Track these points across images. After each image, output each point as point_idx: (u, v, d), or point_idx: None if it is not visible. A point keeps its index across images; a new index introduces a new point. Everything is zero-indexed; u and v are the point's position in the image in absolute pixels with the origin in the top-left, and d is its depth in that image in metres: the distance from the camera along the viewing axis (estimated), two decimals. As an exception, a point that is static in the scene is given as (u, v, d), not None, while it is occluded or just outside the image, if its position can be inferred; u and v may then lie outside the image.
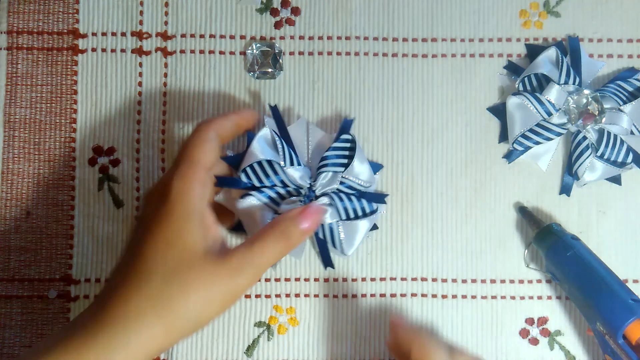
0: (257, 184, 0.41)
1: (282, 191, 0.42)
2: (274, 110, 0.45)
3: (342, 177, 0.42)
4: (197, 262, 0.33)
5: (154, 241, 0.34)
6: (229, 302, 0.34)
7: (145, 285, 0.33)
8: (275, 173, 0.41)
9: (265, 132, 0.43)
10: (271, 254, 0.35)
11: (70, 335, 0.33)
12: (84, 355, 0.32)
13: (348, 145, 0.43)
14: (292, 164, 0.42)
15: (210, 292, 0.33)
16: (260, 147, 0.42)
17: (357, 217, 0.42)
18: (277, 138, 0.42)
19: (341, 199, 0.42)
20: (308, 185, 0.43)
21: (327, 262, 0.44)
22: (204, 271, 0.33)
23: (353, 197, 0.43)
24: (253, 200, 0.41)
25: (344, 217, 0.42)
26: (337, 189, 0.43)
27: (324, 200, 0.42)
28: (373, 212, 0.42)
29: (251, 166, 0.41)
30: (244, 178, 0.41)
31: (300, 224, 0.36)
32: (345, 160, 0.42)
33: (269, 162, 0.41)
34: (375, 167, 0.45)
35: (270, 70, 0.46)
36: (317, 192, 0.43)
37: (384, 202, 0.45)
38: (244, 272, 0.34)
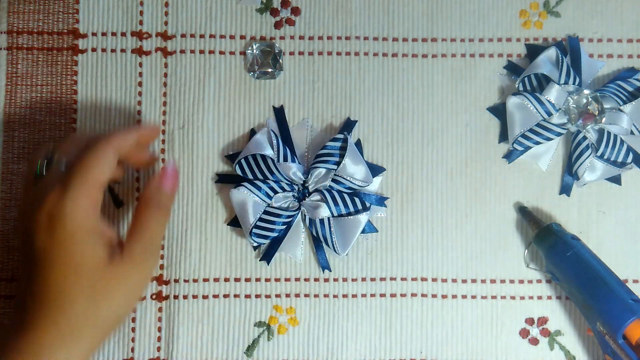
0: (251, 177, 0.43)
1: (275, 186, 0.43)
2: (278, 111, 0.46)
3: (335, 175, 0.43)
4: (108, 271, 0.35)
5: (62, 270, 0.34)
6: (145, 283, 0.38)
7: (54, 309, 0.34)
8: (268, 167, 0.43)
9: (265, 131, 0.44)
10: (156, 228, 0.37)
11: None
12: None
13: (342, 144, 0.43)
14: (285, 160, 0.43)
15: (129, 287, 0.36)
16: (257, 144, 0.43)
17: (349, 214, 0.43)
18: (273, 136, 0.43)
19: (332, 196, 0.43)
20: (301, 181, 0.44)
21: (324, 264, 0.45)
22: (116, 274, 0.35)
23: (345, 194, 0.43)
24: (245, 192, 0.43)
25: (335, 212, 0.43)
26: (331, 187, 0.43)
27: (316, 196, 0.43)
28: (366, 209, 0.43)
29: (246, 159, 0.43)
30: (238, 171, 0.43)
31: (165, 188, 0.38)
32: (339, 159, 0.43)
33: (263, 156, 0.43)
34: (377, 170, 0.46)
35: (270, 70, 0.46)
36: (310, 188, 0.44)
37: (384, 205, 0.45)
38: (146, 255, 0.37)
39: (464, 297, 0.46)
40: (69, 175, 0.35)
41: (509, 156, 0.46)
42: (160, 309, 0.45)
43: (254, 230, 0.43)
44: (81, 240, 0.34)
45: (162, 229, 0.38)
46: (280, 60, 0.46)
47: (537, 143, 0.45)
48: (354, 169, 0.43)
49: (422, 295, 0.45)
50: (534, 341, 0.45)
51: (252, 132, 0.46)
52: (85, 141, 0.38)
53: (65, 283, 0.34)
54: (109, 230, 0.36)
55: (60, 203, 0.34)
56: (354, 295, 0.45)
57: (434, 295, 0.46)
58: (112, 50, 0.46)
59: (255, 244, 0.44)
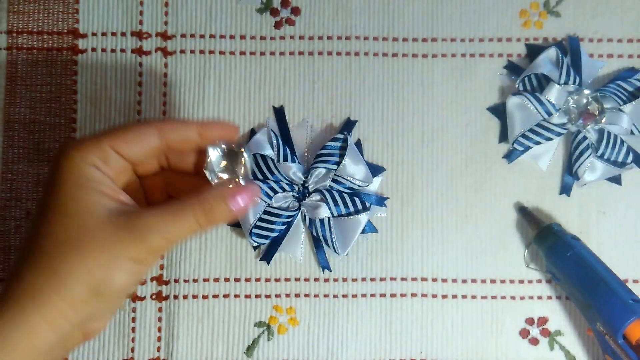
0: (251, 177, 0.42)
1: (275, 186, 0.43)
2: (278, 111, 0.46)
3: (335, 175, 0.43)
4: (95, 228, 0.30)
5: (45, 212, 0.31)
6: (136, 270, 0.31)
7: (39, 259, 0.30)
8: (268, 167, 0.43)
9: (265, 131, 0.44)
10: (184, 226, 0.31)
11: None
12: None
13: (342, 144, 0.43)
14: (285, 160, 0.43)
15: (114, 258, 0.30)
16: (257, 144, 0.43)
17: (349, 214, 0.43)
18: (273, 136, 0.43)
19: (332, 196, 0.43)
20: (301, 181, 0.44)
21: (324, 264, 0.45)
22: (102, 235, 0.30)
23: (345, 195, 0.43)
24: None
25: (335, 212, 0.43)
26: (331, 187, 0.43)
27: (316, 196, 0.43)
28: (366, 209, 0.43)
29: None
30: None
31: (232, 205, 0.32)
32: (339, 159, 0.43)
33: (263, 156, 0.43)
34: (378, 169, 0.46)
35: (227, 176, 0.35)
36: (310, 188, 0.44)
37: (384, 205, 0.45)
38: (149, 237, 0.31)
39: (464, 297, 0.46)
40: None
41: (509, 156, 0.46)
42: (160, 309, 0.45)
43: (254, 230, 0.43)
44: (73, 184, 0.31)
45: (190, 234, 0.32)
46: (248, 166, 0.35)
47: (537, 143, 0.45)
48: (354, 169, 0.43)
49: (422, 295, 0.45)
50: (534, 341, 0.45)
51: (252, 132, 0.46)
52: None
53: (46, 227, 0.31)
54: (120, 193, 0.32)
55: (71, 145, 0.32)
56: (354, 295, 0.45)
57: (434, 295, 0.45)
58: (112, 50, 0.46)
59: (255, 244, 0.44)
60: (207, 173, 0.34)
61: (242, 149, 0.35)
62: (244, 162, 0.35)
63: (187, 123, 0.34)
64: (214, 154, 0.34)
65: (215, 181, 0.34)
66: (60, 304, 0.30)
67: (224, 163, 0.35)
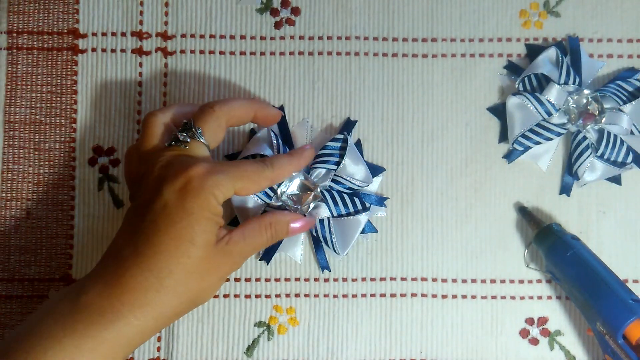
0: None
1: (275, 186, 0.43)
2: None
3: (335, 175, 0.43)
4: (208, 257, 0.36)
5: (178, 236, 0.35)
6: (222, 282, 0.38)
7: (164, 280, 0.35)
8: None
9: (264, 131, 0.44)
10: (260, 246, 0.39)
11: (81, 319, 0.34)
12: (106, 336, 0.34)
13: (341, 144, 0.43)
14: None
15: (215, 278, 0.37)
16: (257, 144, 0.43)
17: (349, 214, 0.43)
18: (273, 136, 0.43)
19: (332, 196, 0.43)
20: None
21: (324, 264, 0.45)
22: (211, 263, 0.36)
23: (345, 195, 0.43)
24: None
25: (335, 212, 0.43)
26: (330, 187, 0.43)
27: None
28: (366, 209, 0.43)
29: (246, 159, 0.42)
30: None
31: (290, 228, 0.40)
32: (339, 159, 0.43)
33: (263, 156, 0.42)
34: (378, 170, 0.46)
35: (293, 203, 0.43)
36: None
37: (384, 205, 0.45)
38: (239, 259, 0.38)
39: (464, 297, 0.46)
40: (221, 163, 0.37)
41: (509, 156, 0.46)
42: (160, 309, 0.45)
43: (254, 230, 0.43)
44: (205, 219, 0.35)
45: (261, 247, 0.40)
46: (310, 201, 0.43)
47: (537, 143, 0.45)
48: (354, 169, 0.43)
49: (422, 295, 0.45)
50: (534, 341, 0.45)
51: (252, 132, 0.46)
52: (226, 120, 0.40)
53: (173, 252, 0.35)
54: (222, 220, 0.37)
55: (206, 179, 0.35)
56: (354, 295, 0.45)
57: (434, 295, 0.45)
58: (112, 50, 0.46)
59: (255, 244, 0.44)
60: (281, 194, 0.42)
61: (318, 187, 0.43)
62: (310, 198, 0.42)
63: (297, 162, 0.41)
64: (295, 184, 0.43)
65: (289, 204, 0.42)
66: (150, 313, 0.35)
67: (296, 191, 0.43)
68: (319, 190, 0.43)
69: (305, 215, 0.42)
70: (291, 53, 0.47)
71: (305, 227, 0.41)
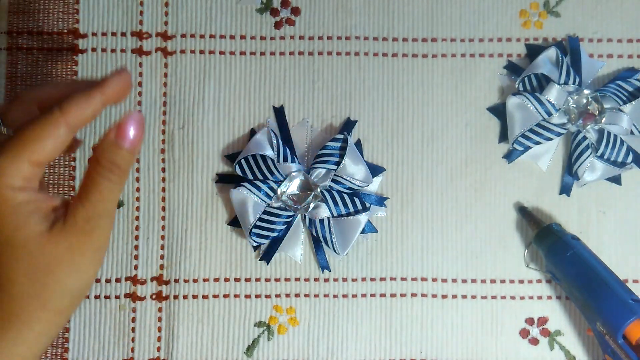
0: (251, 177, 0.43)
1: (275, 186, 0.43)
2: (278, 111, 0.46)
3: (335, 175, 0.43)
4: (50, 244, 0.31)
5: None
6: (98, 257, 0.32)
7: (11, 289, 0.31)
8: (268, 167, 0.43)
9: (264, 131, 0.44)
10: (107, 192, 0.31)
11: None
12: None
13: (341, 144, 0.43)
14: (285, 160, 0.43)
15: (76, 260, 0.31)
16: (257, 144, 0.43)
17: (349, 214, 0.43)
18: (273, 136, 0.43)
19: (332, 196, 0.43)
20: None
21: (323, 264, 0.45)
22: (59, 246, 0.31)
23: (345, 195, 0.43)
24: (245, 192, 0.43)
25: (335, 212, 0.43)
26: (330, 187, 0.43)
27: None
28: (366, 209, 0.43)
29: (246, 159, 0.43)
30: (238, 171, 0.43)
31: (122, 143, 0.31)
32: (339, 159, 0.43)
33: (263, 156, 0.43)
34: (378, 170, 0.46)
35: None
36: None
37: (384, 205, 0.45)
38: (93, 222, 0.31)
39: (464, 297, 0.46)
40: (3, 142, 0.31)
41: (509, 156, 0.46)
42: (160, 309, 0.45)
43: (254, 230, 0.43)
44: (11, 214, 0.30)
45: (115, 193, 0.32)
46: None
47: (537, 143, 0.45)
48: (354, 169, 0.43)
49: (422, 295, 0.45)
50: (534, 341, 0.45)
51: (252, 132, 0.46)
52: (36, 101, 0.34)
53: (1, 261, 0.31)
54: (50, 200, 0.32)
55: None
56: (354, 295, 0.45)
57: (434, 295, 0.45)
58: (112, 50, 0.46)
59: (255, 244, 0.44)
60: (281, 194, 0.42)
61: (318, 187, 0.43)
62: (310, 198, 0.42)
63: (89, 98, 0.32)
64: (295, 184, 0.43)
65: None
66: (26, 335, 0.31)
67: (296, 191, 0.42)
68: (319, 190, 0.43)
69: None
70: (291, 53, 0.47)
71: (138, 131, 0.32)
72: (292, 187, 0.43)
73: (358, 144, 0.46)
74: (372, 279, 0.46)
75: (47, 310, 0.31)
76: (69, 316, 0.33)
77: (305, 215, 0.44)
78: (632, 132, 0.45)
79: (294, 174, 0.43)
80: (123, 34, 0.47)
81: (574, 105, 0.45)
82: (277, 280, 0.46)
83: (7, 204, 0.30)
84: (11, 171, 0.30)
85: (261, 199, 0.43)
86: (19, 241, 0.30)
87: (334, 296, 0.45)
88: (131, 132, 0.31)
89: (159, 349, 0.45)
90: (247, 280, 0.45)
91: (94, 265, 0.32)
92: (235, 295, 0.45)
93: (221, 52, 0.47)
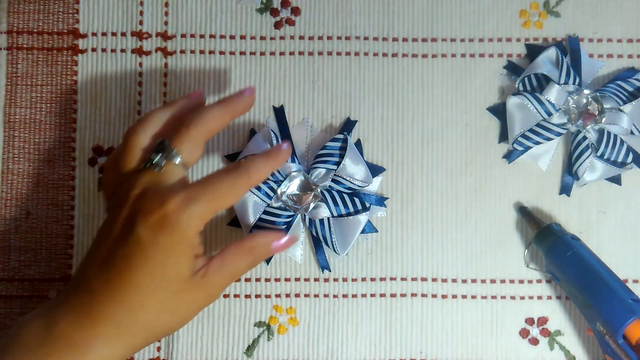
0: None
1: (275, 186, 0.43)
2: (278, 111, 0.46)
3: (335, 175, 0.43)
4: (186, 286, 0.35)
5: (149, 272, 0.34)
6: (197, 313, 0.37)
7: (140, 313, 0.34)
8: None
9: (264, 131, 0.44)
10: (241, 271, 0.37)
11: (52, 352, 0.33)
12: None
13: (341, 144, 0.43)
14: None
15: (192, 307, 0.36)
16: (257, 144, 0.43)
17: (349, 214, 0.43)
18: (273, 136, 0.43)
19: (332, 196, 0.43)
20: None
21: (324, 264, 0.45)
22: (190, 292, 0.35)
23: (345, 195, 0.43)
24: (246, 194, 0.43)
25: (335, 212, 0.43)
26: (330, 187, 0.43)
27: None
28: (366, 209, 0.43)
29: None
30: None
31: (273, 248, 0.38)
32: (339, 159, 0.43)
33: None
34: (377, 170, 0.46)
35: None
36: None
37: (384, 205, 0.45)
38: (217, 290, 0.37)
39: (464, 297, 0.46)
40: (196, 188, 0.35)
41: (509, 156, 0.46)
42: (160, 309, 0.45)
43: (254, 230, 0.43)
44: (179, 254, 0.34)
45: (245, 272, 0.38)
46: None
47: (537, 143, 0.45)
48: (353, 169, 0.43)
49: (422, 295, 0.45)
50: (534, 341, 0.45)
51: (252, 132, 0.46)
52: (203, 137, 0.37)
53: (145, 285, 0.34)
54: (200, 248, 0.36)
55: (181, 213, 0.34)
56: (354, 295, 0.45)
57: (434, 295, 0.45)
58: (112, 50, 0.46)
59: (255, 244, 0.44)
60: (281, 194, 0.43)
61: (318, 187, 0.43)
62: (310, 198, 0.43)
63: (268, 158, 0.38)
64: (295, 184, 0.43)
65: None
66: (116, 347, 0.34)
67: (295, 191, 0.43)
68: (319, 190, 0.43)
69: (298, 228, 0.42)
70: (291, 53, 0.47)
71: (287, 245, 0.38)
72: (292, 187, 0.43)
73: (358, 144, 0.46)
74: (372, 279, 0.46)
75: (145, 333, 0.35)
76: (138, 350, 0.36)
77: (305, 215, 0.44)
78: (632, 132, 0.45)
79: (294, 174, 0.43)
80: (123, 34, 0.47)
81: (574, 105, 0.45)
82: (277, 280, 0.46)
83: (187, 243, 0.34)
84: (201, 215, 0.34)
85: (261, 199, 0.43)
86: (170, 276, 0.34)
87: (334, 296, 0.45)
88: (282, 242, 0.38)
89: (159, 349, 0.45)
90: (247, 280, 0.45)
91: (185, 322, 0.37)
92: (235, 295, 0.45)
93: (221, 52, 0.47)
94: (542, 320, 0.46)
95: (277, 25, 0.47)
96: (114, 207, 0.36)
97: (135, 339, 0.35)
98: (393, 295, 0.45)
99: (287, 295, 0.45)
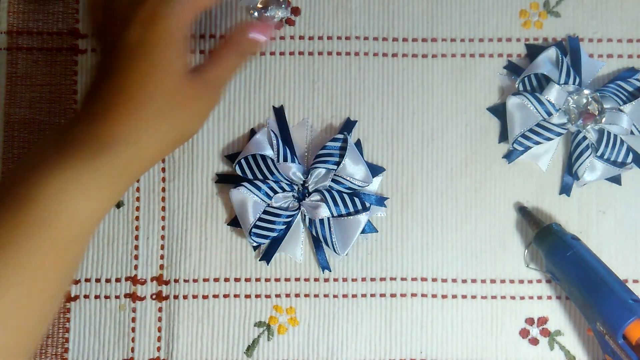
0: (251, 177, 0.43)
1: (275, 186, 0.43)
2: (278, 111, 0.46)
3: (335, 175, 0.43)
4: (185, 84, 0.36)
5: (150, 66, 0.35)
6: (208, 114, 0.39)
7: (147, 106, 0.35)
8: (268, 167, 0.43)
9: (264, 131, 0.44)
10: (229, 68, 0.38)
11: (73, 153, 0.33)
12: (103, 167, 0.34)
13: (341, 144, 0.43)
14: (285, 160, 0.43)
15: (197, 107, 0.37)
16: (257, 144, 0.43)
17: (349, 214, 0.43)
18: (273, 136, 0.43)
19: (332, 196, 0.43)
20: (301, 181, 0.44)
21: (324, 264, 0.45)
22: (189, 91, 0.36)
23: (345, 195, 0.43)
24: (245, 192, 0.43)
25: (335, 212, 0.43)
26: (330, 187, 0.43)
27: (316, 196, 0.43)
28: (366, 209, 0.43)
29: (246, 159, 0.43)
30: (238, 171, 0.43)
31: (252, 36, 0.38)
32: (339, 159, 0.43)
33: (263, 156, 0.43)
34: (377, 170, 0.46)
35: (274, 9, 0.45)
36: (310, 189, 0.44)
37: (384, 206, 0.45)
38: (216, 86, 0.38)
39: (464, 297, 0.46)
40: None
41: (509, 156, 0.46)
42: (160, 309, 0.45)
43: (254, 230, 0.43)
44: (173, 43, 0.35)
45: (233, 72, 0.39)
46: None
47: (537, 143, 0.45)
48: (353, 169, 0.43)
49: (422, 295, 0.46)
50: (534, 341, 0.45)
51: (252, 132, 0.46)
52: None
53: (149, 79, 0.35)
54: (188, 52, 0.37)
55: (163, 5, 0.35)
56: (354, 295, 0.45)
57: (434, 295, 0.46)
58: (112, 50, 0.46)
59: (255, 244, 0.44)
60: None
61: None
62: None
63: None
64: None
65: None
66: (142, 147, 0.35)
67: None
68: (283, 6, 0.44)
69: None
70: (291, 53, 0.47)
71: (264, 31, 0.39)
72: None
73: (358, 144, 0.46)
74: (372, 279, 0.46)
75: (163, 137, 0.36)
76: (154, 163, 0.37)
77: (305, 215, 0.44)
78: (632, 132, 0.45)
79: (293, 174, 0.43)
80: (123, 34, 0.46)
81: (574, 105, 0.45)
82: (277, 280, 0.46)
83: (172, 38, 0.35)
84: (186, 13, 0.35)
85: (261, 199, 0.43)
86: (170, 68, 0.35)
87: (334, 296, 0.45)
88: (257, 31, 0.38)
89: (159, 349, 0.45)
90: (247, 280, 0.45)
91: (200, 121, 0.38)
92: (235, 295, 0.45)
93: (221, 52, 0.47)
94: (542, 320, 0.46)
95: (277, 25, 0.47)
96: (104, 26, 0.37)
97: (155, 133, 0.35)
98: (393, 295, 0.45)
99: (287, 295, 0.45)
